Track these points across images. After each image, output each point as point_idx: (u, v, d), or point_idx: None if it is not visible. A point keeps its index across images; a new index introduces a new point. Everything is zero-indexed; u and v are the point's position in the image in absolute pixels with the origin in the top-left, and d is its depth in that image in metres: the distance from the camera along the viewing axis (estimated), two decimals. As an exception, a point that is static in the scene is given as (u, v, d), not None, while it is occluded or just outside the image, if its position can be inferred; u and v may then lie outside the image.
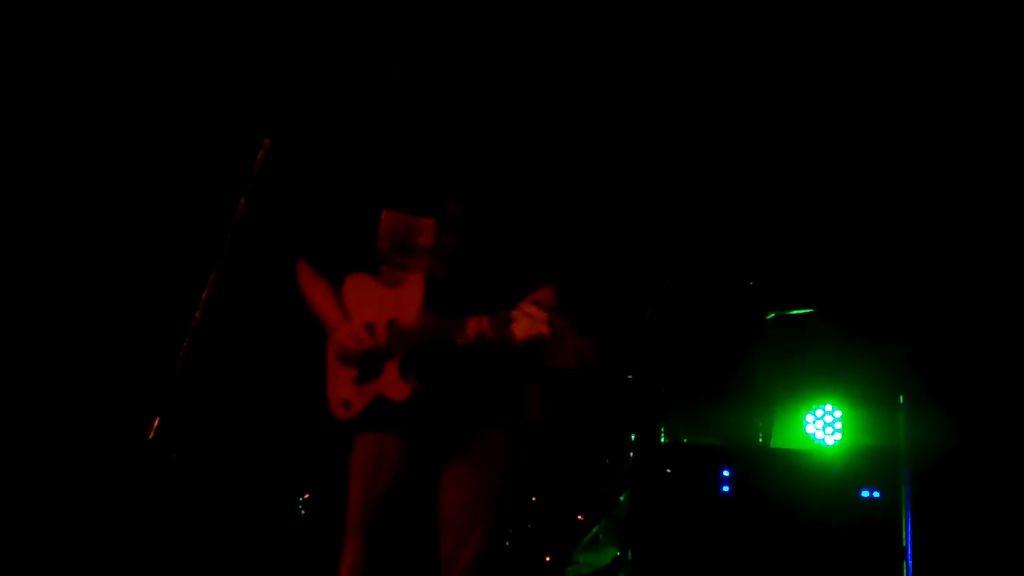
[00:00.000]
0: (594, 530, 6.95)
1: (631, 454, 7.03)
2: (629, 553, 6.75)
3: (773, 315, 8.00)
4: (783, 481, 7.40)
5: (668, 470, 7.35)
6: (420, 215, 3.82)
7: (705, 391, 8.28)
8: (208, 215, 6.36)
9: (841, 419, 8.01)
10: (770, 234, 8.27)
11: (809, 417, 8.08)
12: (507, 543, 3.80)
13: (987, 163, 7.76)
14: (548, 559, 6.67)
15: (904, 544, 7.00)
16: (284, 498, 7.11)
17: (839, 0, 7.47)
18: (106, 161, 7.11)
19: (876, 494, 7.27)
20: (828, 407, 8.05)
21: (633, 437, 7.10)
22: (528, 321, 3.48)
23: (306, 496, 7.04)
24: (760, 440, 7.96)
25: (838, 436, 8.01)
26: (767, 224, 8.26)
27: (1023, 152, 7.66)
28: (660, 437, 7.54)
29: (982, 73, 7.59)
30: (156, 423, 3.65)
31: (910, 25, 7.48)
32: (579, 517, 6.85)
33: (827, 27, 7.58)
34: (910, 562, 6.95)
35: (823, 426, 8.05)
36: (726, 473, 7.52)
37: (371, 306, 3.81)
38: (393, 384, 3.71)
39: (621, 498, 7.01)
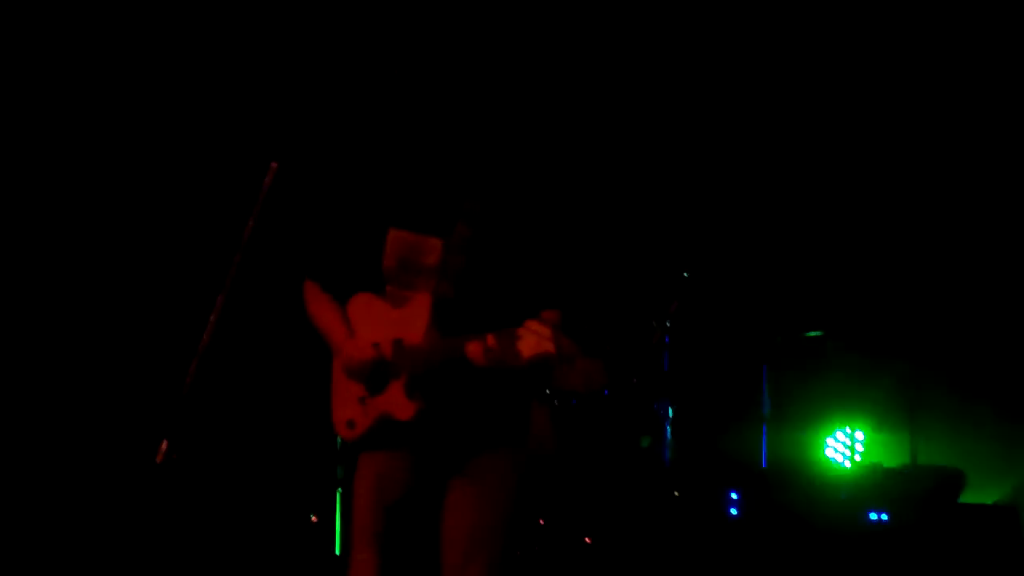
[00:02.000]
0: None
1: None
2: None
3: (780, 339, 8.01)
4: (791, 503, 7.39)
5: (676, 493, 7.35)
6: (427, 235, 3.82)
7: (714, 412, 8.28)
8: (216, 238, 6.38)
9: (863, 442, 8.00)
10: (783, 255, 8.28)
11: (830, 440, 8.08)
12: (514, 566, 3.80)
13: (997, 179, 7.77)
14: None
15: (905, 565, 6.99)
16: (293, 519, 7.10)
17: (846, 13, 7.49)
18: (115, 185, 7.13)
19: (884, 517, 7.27)
20: (848, 429, 8.04)
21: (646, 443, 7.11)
22: (534, 338, 3.48)
23: (314, 519, 7.03)
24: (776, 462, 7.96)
25: (858, 458, 8.01)
26: (779, 245, 8.26)
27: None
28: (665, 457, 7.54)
29: (985, 90, 7.60)
30: (164, 447, 3.65)
31: (917, 36, 7.49)
32: (587, 540, 6.85)
33: (837, 40, 7.59)
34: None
35: (843, 448, 8.05)
36: (734, 496, 7.52)
37: (377, 325, 3.81)
38: (398, 404, 3.71)
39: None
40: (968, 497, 7.43)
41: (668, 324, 7.42)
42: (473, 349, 3.63)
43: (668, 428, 7.64)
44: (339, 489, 6.70)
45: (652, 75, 7.81)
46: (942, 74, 7.68)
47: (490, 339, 3.58)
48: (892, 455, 8.04)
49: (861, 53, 7.69)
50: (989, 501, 7.61)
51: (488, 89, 3.88)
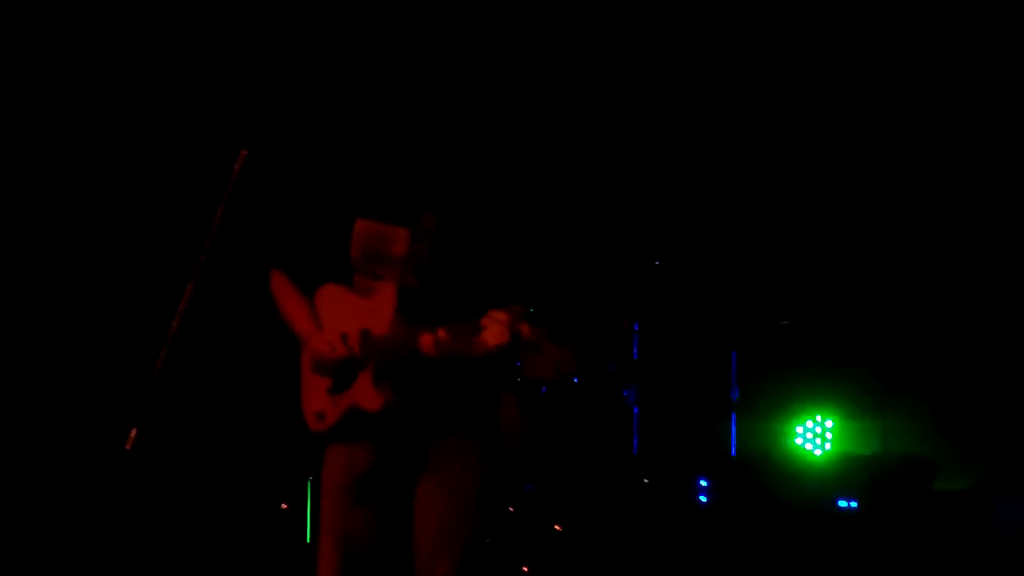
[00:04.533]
0: None
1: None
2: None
3: (750, 326, 8.03)
4: (760, 490, 7.42)
5: (646, 480, 7.38)
6: (394, 224, 3.81)
7: (683, 399, 8.30)
8: (185, 226, 6.36)
9: (832, 430, 8.02)
10: (754, 243, 8.30)
11: (799, 429, 8.09)
12: (484, 554, 3.79)
13: (969, 171, 7.80)
14: (525, 569, 6.68)
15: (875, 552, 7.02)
16: (262, 509, 7.10)
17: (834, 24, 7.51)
18: (83, 171, 7.10)
19: (853, 504, 7.30)
20: (818, 418, 8.06)
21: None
22: (497, 327, 3.49)
23: (284, 507, 7.03)
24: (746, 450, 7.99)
25: (828, 447, 8.03)
26: (751, 233, 8.28)
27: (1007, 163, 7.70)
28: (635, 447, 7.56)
29: (961, 87, 7.63)
30: (133, 434, 3.64)
31: (900, 31, 7.52)
32: (556, 527, 6.86)
33: (812, 31, 7.61)
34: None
35: (813, 437, 8.07)
36: (703, 483, 7.54)
37: (344, 316, 3.80)
38: (366, 394, 3.70)
39: None
40: (941, 485, 7.46)
41: (638, 311, 7.43)
42: (424, 341, 3.63)
43: (636, 414, 7.66)
44: (309, 478, 6.70)
45: (621, 63, 7.82)
46: (918, 67, 7.71)
47: (441, 331, 3.58)
48: (862, 443, 8.07)
49: (836, 44, 7.71)
50: (960, 488, 7.65)
51: (456, 78, 3.87)
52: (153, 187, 7.18)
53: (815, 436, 8.06)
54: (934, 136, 7.86)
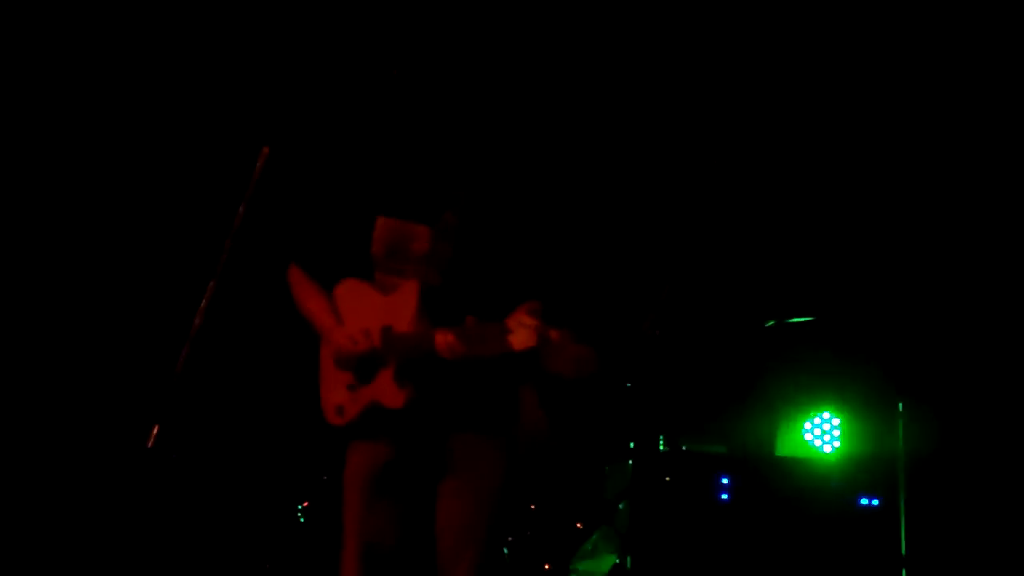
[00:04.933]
0: (593, 538, 6.95)
1: (630, 462, 7.03)
2: (628, 561, 6.75)
3: (772, 323, 8.01)
4: (782, 489, 7.41)
5: (667, 478, 7.36)
6: (415, 222, 3.82)
7: (706, 398, 8.28)
8: (207, 223, 6.37)
9: (839, 427, 8.00)
10: (769, 241, 8.28)
11: (808, 425, 8.07)
12: (506, 551, 3.80)
13: (984, 171, 7.77)
14: (547, 567, 6.67)
15: (903, 552, 7.00)
16: (284, 506, 7.10)
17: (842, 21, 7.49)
18: (106, 168, 7.11)
19: (875, 502, 7.28)
20: (826, 415, 8.04)
21: (632, 444, 7.10)
22: (525, 332, 3.48)
23: (305, 504, 7.04)
24: (762, 448, 7.97)
25: (836, 444, 8.00)
26: (766, 231, 8.26)
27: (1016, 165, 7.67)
28: (659, 445, 7.54)
29: (971, 87, 7.60)
30: (155, 431, 3.65)
31: (901, 33, 7.49)
32: (578, 525, 6.85)
33: (826, 36, 7.59)
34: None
35: (821, 434, 8.04)
36: (725, 481, 7.53)
37: (365, 312, 3.80)
38: (388, 391, 3.71)
39: (620, 506, 7.01)
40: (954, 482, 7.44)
41: (659, 311, 7.42)
42: (446, 341, 3.62)
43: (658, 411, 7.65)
44: (324, 476, 6.71)
45: (637, 61, 7.80)
46: (928, 71, 7.68)
47: (464, 331, 3.57)
48: (879, 442, 8.04)
49: (845, 46, 7.68)
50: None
51: (477, 78, 3.87)
52: (176, 185, 7.19)
53: (826, 433, 8.03)
54: (936, 137, 7.83)
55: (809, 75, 7.75)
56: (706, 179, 7.99)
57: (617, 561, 6.84)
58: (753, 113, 7.87)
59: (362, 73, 6.62)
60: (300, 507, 7.03)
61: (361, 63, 6.67)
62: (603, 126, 7.75)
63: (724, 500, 7.53)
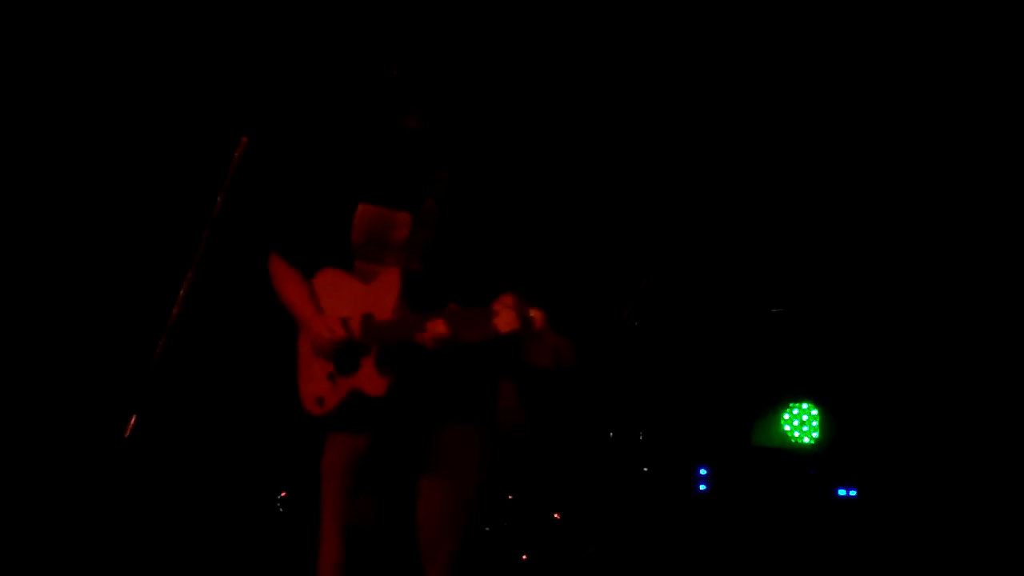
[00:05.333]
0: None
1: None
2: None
3: (747, 315, 8.02)
4: (759, 479, 7.43)
5: (645, 468, 7.38)
6: (396, 209, 3.81)
7: (682, 387, 8.30)
8: (185, 213, 6.35)
9: (817, 418, 8.02)
10: (750, 232, 8.29)
11: (787, 416, 8.09)
12: (483, 542, 3.81)
13: (984, 171, 7.78)
14: (524, 557, 6.68)
15: (879, 541, 7.03)
16: (262, 496, 7.10)
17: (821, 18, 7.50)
18: (82, 159, 7.09)
19: (852, 493, 7.31)
20: (804, 406, 8.05)
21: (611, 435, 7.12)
22: (509, 314, 3.47)
23: (283, 494, 7.03)
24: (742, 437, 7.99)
25: (815, 434, 8.02)
26: (747, 221, 8.27)
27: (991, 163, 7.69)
28: (639, 435, 7.55)
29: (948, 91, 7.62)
30: (133, 421, 3.64)
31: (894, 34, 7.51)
32: (556, 516, 6.87)
33: (813, 30, 7.60)
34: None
35: (800, 424, 8.06)
36: (703, 471, 7.55)
37: (345, 301, 3.80)
38: (370, 379, 3.70)
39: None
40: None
41: (637, 301, 7.43)
42: (433, 327, 3.61)
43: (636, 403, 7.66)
44: (307, 465, 6.70)
45: (621, 56, 7.81)
46: (916, 68, 7.69)
47: (450, 317, 3.56)
48: (855, 432, 8.06)
49: (838, 43, 7.69)
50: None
51: (458, 64, 3.87)
52: (154, 175, 7.17)
53: (805, 424, 8.05)
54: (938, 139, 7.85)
55: (798, 72, 7.77)
56: (684, 167, 8.00)
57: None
58: (739, 110, 7.88)
59: (340, 62, 6.61)
60: (278, 497, 7.03)
61: (339, 51, 6.66)
62: (584, 112, 7.75)
63: (702, 491, 7.55)
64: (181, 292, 3.72)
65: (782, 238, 8.25)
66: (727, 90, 7.82)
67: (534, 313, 3.48)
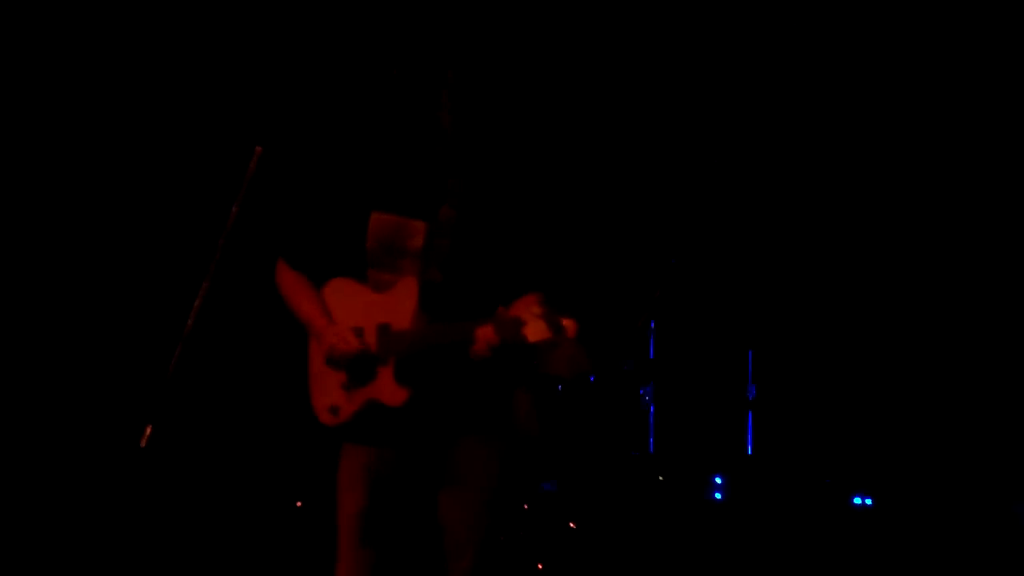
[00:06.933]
0: None
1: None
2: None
3: (765, 324, 8.01)
4: (775, 488, 7.42)
5: (660, 477, 7.37)
6: (411, 217, 3.80)
7: (699, 396, 8.29)
8: (200, 223, 6.36)
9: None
10: (768, 242, 8.29)
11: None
12: (500, 553, 3.80)
13: (982, 170, 7.77)
14: (540, 567, 6.67)
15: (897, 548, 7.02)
16: (277, 507, 7.10)
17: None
18: (98, 169, 7.10)
19: (868, 502, 7.30)
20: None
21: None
22: (539, 323, 3.45)
23: (299, 505, 7.03)
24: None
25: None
26: (766, 231, 8.27)
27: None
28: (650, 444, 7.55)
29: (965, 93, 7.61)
30: (148, 431, 3.64)
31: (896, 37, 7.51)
32: (571, 525, 6.86)
33: (831, 36, 7.60)
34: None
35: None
36: (718, 480, 7.54)
37: (358, 310, 3.78)
38: (387, 389, 3.69)
39: None
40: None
41: (654, 309, 7.43)
42: (480, 335, 3.58)
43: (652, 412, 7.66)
44: (323, 476, 6.69)
45: (638, 58, 7.81)
46: (931, 74, 7.69)
47: (489, 330, 3.55)
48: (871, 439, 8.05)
49: (855, 50, 7.69)
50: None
51: (472, 72, 3.87)
52: (169, 185, 7.18)
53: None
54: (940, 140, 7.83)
55: (812, 74, 7.76)
56: (708, 178, 7.99)
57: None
58: (754, 114, 7.87)
59: (354, 70, 6.62)
60: (295, 508, 7.03)
61: (353, 60, 6.67)
62: (602, 121, 7.76)
63: (718, 500, 7.54)
64: (196, 302, 3.72)
65: (804, 245, 8.24)
66: (753, 94, 7.82)
67: (566, 323, 3.46)
